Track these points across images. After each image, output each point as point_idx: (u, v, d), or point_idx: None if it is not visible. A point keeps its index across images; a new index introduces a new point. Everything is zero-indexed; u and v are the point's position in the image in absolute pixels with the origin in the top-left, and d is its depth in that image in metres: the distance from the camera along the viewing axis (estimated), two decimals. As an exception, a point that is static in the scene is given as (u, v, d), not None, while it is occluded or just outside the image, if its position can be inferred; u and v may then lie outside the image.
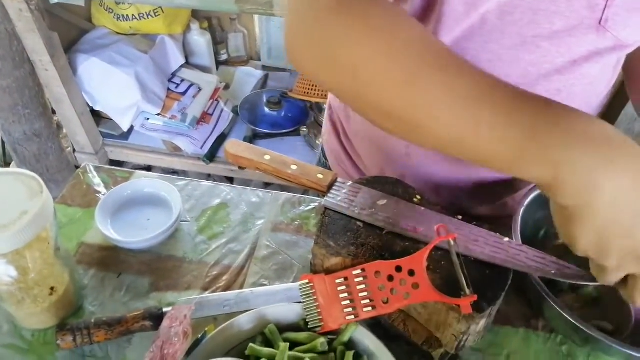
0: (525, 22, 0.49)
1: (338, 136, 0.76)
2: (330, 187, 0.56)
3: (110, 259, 0.61)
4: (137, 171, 0.73)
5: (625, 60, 0.59)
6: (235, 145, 0.59)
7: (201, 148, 1.71)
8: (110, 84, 1.60)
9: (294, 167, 0.57)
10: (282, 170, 0.57)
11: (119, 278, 0.59)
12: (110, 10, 1.68)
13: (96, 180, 0.71)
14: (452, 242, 0.46)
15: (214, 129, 1.77)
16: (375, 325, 0.52)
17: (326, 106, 0.81)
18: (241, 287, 0.59)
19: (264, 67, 2.03)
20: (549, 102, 0.37)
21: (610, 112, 1.33)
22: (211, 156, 1.71)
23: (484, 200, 0.69)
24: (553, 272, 0.47)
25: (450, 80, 0.38)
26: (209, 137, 1.75)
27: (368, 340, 0.48)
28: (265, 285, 0.59)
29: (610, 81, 0.60)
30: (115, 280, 0.59)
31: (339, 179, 0.57)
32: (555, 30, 0.49)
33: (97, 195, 0.68)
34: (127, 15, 1.68)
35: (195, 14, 1.85)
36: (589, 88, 0.58)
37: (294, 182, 0.57)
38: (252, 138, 1.79)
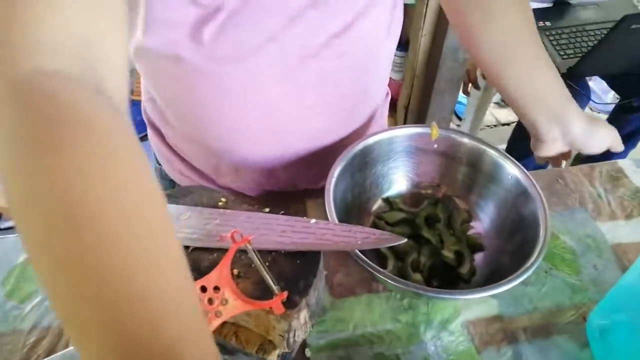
0: None
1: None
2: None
3: None
4: None
5: None
6: None
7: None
8: None
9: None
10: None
11: None
12: None
13: None
14: (248, 246, 0.43)
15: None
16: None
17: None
18: (67, 346, 0.53)
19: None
20: None
21: (434, 47, 1.40)
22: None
23: (302, 172, 0.69)
24: (359, 242, 0.47)
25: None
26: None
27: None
28: (94, 334, 0.53)
29: (389, 25, 0.60)
30: None
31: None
32: None
33: None
34: None
35: None
36: (367, 43, 0.58)
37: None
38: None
